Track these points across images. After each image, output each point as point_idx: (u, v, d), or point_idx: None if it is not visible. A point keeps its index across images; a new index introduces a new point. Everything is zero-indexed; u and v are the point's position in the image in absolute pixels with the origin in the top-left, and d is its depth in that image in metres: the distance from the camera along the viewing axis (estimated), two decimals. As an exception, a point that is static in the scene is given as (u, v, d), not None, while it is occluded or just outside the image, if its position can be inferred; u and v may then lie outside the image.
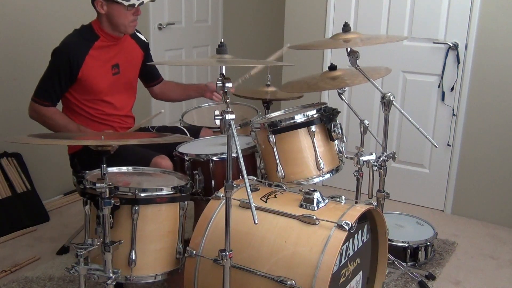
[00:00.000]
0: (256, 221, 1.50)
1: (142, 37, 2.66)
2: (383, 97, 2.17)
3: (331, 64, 2.43)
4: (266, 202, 1.94)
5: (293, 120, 2.14)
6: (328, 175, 2.21)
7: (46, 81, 2.36)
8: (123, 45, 2.52)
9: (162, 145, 2.26)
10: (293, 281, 1.70)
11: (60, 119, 2.37)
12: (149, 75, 2.77)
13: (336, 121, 2.22)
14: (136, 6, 2.32)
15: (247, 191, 1.54)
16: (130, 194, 1.87)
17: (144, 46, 2.66)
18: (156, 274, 1.95)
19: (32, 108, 2.38)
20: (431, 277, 2.58)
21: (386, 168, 2.26)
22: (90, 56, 2.36)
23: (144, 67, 2.68)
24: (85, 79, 2.36)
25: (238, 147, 1.57)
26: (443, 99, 3.30)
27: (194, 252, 1.89)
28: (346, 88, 2.53)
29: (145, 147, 2.39)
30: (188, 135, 2.56)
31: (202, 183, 2.23)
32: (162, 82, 2.83)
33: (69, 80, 2.35)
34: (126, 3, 2.30)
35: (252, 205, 1.52)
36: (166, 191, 1.93)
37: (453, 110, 3.28)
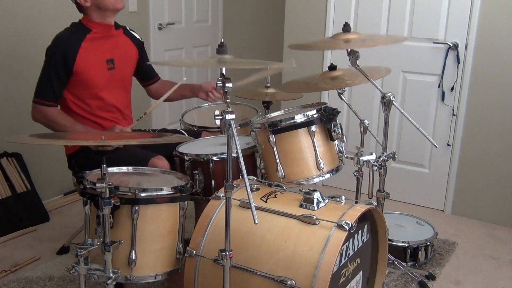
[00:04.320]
0: (256, 221, 1.50)
1: (137, 36, 2.66)
2: (383, 97, 2.17)
3: (331, 64, 2.43)
4: (266, 202, 1.94)
5: (293, 120, 2.14)
6: (328, 175, 2.21)
7: (44, 80, 2.36)
8: (118, 41, 2.53)
9: (162, 145, 2.26)
10: (293, 281, 1.70)
11: (65, 120, 2.37)
12: (145, 74, 2.77)
13: (336, 121, 2.22)
14: None
15: (247, 191, 1.54)
16: (130, 194, 1.87)
17: (139, 45, 2.66)
18: (156, 274, 1.95)
19: (35, 110, 2.37)
20: (431, 277, 2.58)
21: (386, 168, 2.26)
22: (83, 48, 2.37)
23: (140, 66, 2.68)
24: (80, 73, 2.37)
25: (238, 147, 1.57)
26: (443, 99, 3.30)
27: (194, 252, 1.89)
28: (346, 88, 2.53)
29: (143, 148, 2.39)
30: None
31: (202, 183, 2.23)
32: (159, 82, 2.83)
33: (66, 74, 2.35)
34: None
35: (252, 205, 1.52)
36: (166, 191, 1.93)
37: (453, 110, 3.28)
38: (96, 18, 2.41)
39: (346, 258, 1.85)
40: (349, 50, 2.18)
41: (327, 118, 2.19)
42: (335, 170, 2.24)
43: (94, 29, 2.42)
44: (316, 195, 1.89)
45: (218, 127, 1.59)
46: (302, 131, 2.16)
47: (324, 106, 2.23)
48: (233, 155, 1.70)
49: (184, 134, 2.62)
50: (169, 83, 2.85)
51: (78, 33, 2.40)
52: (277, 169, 2.16)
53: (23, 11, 3.09)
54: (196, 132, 2.68)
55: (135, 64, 2.65)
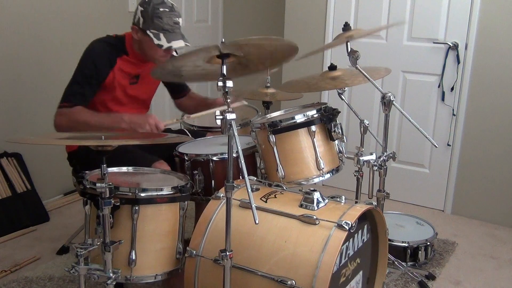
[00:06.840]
0: (257, 221, 1.50)
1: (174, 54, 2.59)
2: (383, 97, 2.17)
3: (331, 64, 2.42)
4: (266, 202, 1.94)
5: (293, 120, 2.14)
6: (328, 175, 2.20)
7: (74, 86, 2.31)
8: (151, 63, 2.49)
9: (162, 146, 2.26)
10: (293, 281, 1.70)
11: (89, 115, 2.29)
12: (175, 89, 2.76)
13: (336, 121, 2.22)
14: (163, 48, 2.28)
15: (247, 191, 1.53)
16: (130, 194, 1.87)
17: None
18: (156, 274, 1.95)
19: (60, 114, 2.29)
20: (431, 277, 2.58)
21: (386, 168, 2.26)
22: (118, 68, 2.37)
23: (168, 82, 2.67)
24: (108, 86, 2.37)
25: (239, 147, 1.57)
26: (443, 99, 3.30)
27: (194, 252, 1.89)
28: (346, 88, 2.53)
29: (144, 149, 2.38)
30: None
31: (202, 183, 2.23)
32: (187, 96, 2.79)
33: (98, 85, 2.33)
34: (155, 41, 2.27)
35: (253, 205, 1.52)
36: (166, 191, 1.93)
37: (453, 110, 3.28)
38: (137, 49, 2.39)
39: (346, 258, 1.85)
40: (349, 49, 2.18)
41: (327, 118, 2.19)
42: (335, 170, 2.24)
43: (131, 55, 2.41)
44: (316, 195, 1.89)
45: (219, 127, 1.59)
46: (302, 131, 2.16)
47: (324, 106, 2.23)
48: (233, 155, 1.70)
49: (188, 135, 2.61)
50: (197, 100, 2.81)
51: (117, 50, 2.38)
52: (277, 169, 2.16)
53: (24, 11, 3.09)
54: (198, 133, 2.67)
55: (159, 82, 2.62)
